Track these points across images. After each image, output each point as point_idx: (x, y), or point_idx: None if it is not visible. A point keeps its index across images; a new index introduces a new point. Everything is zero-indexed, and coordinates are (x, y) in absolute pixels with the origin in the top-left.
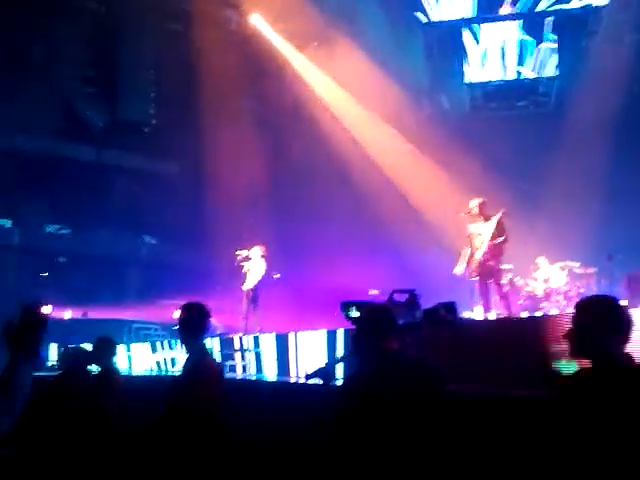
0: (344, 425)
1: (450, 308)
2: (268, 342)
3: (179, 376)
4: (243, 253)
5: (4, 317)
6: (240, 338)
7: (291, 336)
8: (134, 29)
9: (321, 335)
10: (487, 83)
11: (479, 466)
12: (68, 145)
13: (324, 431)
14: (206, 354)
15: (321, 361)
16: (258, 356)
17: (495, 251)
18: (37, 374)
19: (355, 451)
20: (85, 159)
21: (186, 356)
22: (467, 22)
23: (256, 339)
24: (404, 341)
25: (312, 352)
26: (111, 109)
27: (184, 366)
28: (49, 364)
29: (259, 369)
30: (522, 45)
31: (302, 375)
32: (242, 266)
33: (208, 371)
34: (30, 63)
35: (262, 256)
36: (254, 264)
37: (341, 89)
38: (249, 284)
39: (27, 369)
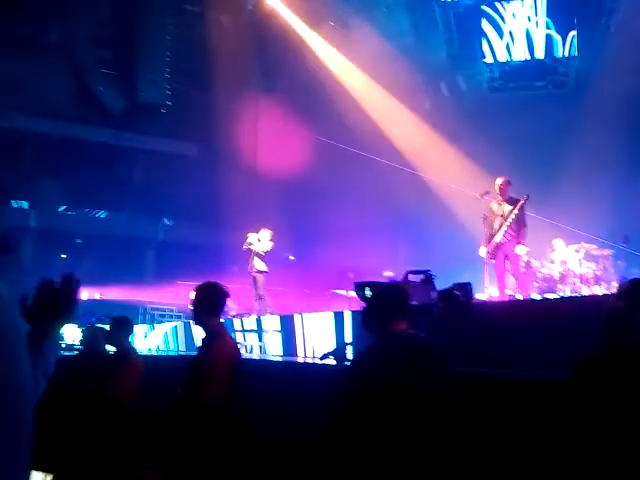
0: (348, 405)
1: (465, 289)
2: (274, 323)
3: (195, 355)
4: (252, 237)
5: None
6: (249, 319)
7: (297, 317)
8: (151, 10)
9: (328, 317)
10: (505, 63)
11: (485, 449)
12: (85, 127)
13: (332, 410)
14: (223, 333)
15: (329, 342)
16: (265, 337)
17: (514, 235)
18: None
19: (359, 431)
20: (102, 141)
21: (203, 336)
22: (486, 1)
23: (259, 321)
24: (417, 321)
25: (320, 333)
26: (128, 91)
27: (201, 346)
28: (64, 344)
29: (266, 350)
30: (541, 24)
31: (310, 356)
32: (249, 249)
33: (224, 350)
34: (47, 45)
35: (269, 240)
36: (261, 247)
37: (357, 69)
38: (255, 267)
39: (48, 346)
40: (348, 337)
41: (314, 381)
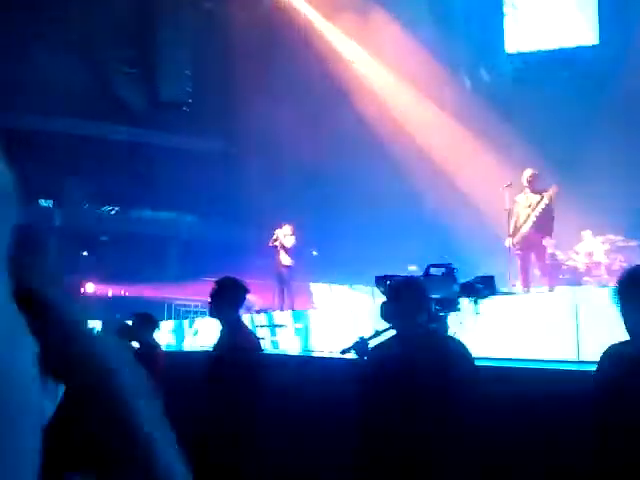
0: (366, 399)
1: (488, 282)
2: (288, 318)
3: (215, 351)
4: (279, 232)
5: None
6: (271, 314)
7: (314, 312)
8: (170, 8)
9: (347, 310)
10: (529, 53)
11: (508, 443)
12: (108, 126)
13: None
14: (242, 327)
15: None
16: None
17: (541, 227)
18: None
19: (377, 424)
20: (125, 139)
21: (220, 330)
22: None
23: (270, 316)
24: (439, 315)
25: (337, 328)
26: (150, 89)
27: (219, 341)
28: None
29: (286, 345)
30: (565, 12)
31: (329, 350)
32: (275, 246)
33: (245, 344)
34: (70, 45)
35: (291, 234)
36: (284, 242)
37: (376, 61)
38: (280, 263)
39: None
40: (368, 331)
41: (332, 375)
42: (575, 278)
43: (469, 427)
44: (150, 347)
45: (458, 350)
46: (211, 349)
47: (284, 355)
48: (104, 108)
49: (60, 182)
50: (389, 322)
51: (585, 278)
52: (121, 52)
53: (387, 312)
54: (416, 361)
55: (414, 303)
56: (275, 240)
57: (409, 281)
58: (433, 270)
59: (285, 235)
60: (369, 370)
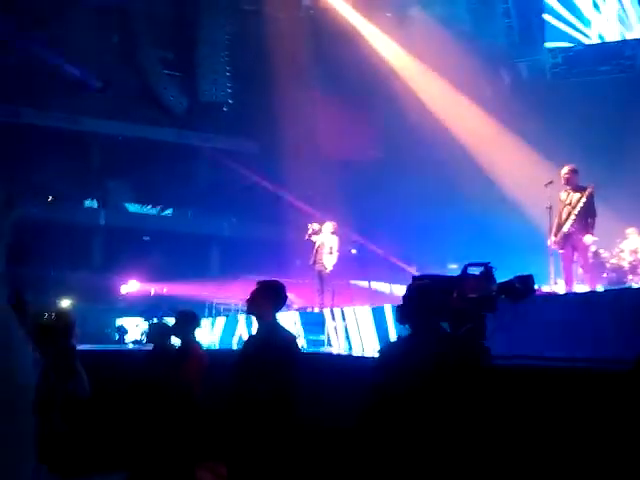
0: (375, 396)
1: (526, 281)
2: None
3: (250, 350)
4: (314, 226)
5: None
6: (311, 313)
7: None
8: (210, 10)
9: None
10: (569, 48)
11: (525, 443)
12: (150, 127)
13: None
14: (278, 328)
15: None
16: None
17: (582, 225)
18: (123, 348)
19: (386, 424)
20: (167, 140)
21: (256, 330)
22: None
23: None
24: (477, 315)
25: (361, 327)
26: (190, 90)
27: (254, 341)
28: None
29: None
30: (606, 6)
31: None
32: (313, 241)
33: (280, 344)
34: (110, 48)
35: (332, 232)
36: (325, 240)
37: (415, 60)
38: (321, 263)
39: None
40: (392, 332)
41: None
42: (619, 276)
43: (481, 424)
44: (190, 344)
45: (474, 352)
46: (242, 344)
47: (317, 353)
48: (146, 109)
49: (104, 183)
50: (404, 325)
51: (630, 277)
52: (161, 53)
53: (402, 316)
54: (426, 360)
55: (425, 307)
56: (312, 234)
57: (420, 286)
58: (471, 269)
59: (322, 231)
60: (377, 366)
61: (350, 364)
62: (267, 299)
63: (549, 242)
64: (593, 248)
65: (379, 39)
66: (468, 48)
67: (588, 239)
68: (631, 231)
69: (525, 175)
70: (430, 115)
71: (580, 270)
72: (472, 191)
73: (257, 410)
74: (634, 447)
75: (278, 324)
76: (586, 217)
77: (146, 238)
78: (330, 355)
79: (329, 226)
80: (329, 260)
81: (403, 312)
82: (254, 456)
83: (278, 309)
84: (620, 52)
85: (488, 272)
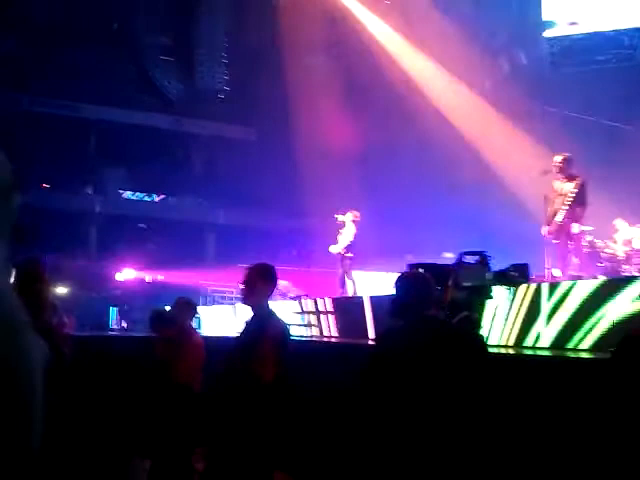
0: (369, 383)
1: (522, 270)
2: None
3: (242, 337)
4: (340, 217)
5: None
6: (307, 301)
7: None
8: None
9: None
10: (568, 37)
11: (522, 432)
12: (146, 114)
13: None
14: (271, 315)
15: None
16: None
17: (575, 215)
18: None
19: (380, 411)
20: (163, 127)
21: (250, 317)
22: None
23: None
24: (471, 303)
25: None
26: (187, 77)
27: (247, 327)
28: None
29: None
30: None
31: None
32: (339, 232)
33: (273, 331)
34: (108, 34)
35: (353, 220)
36: (346, 229)
37: (414, 46)
38: (338, 248)
39: None
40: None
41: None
42: (614, 266)
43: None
44: (188, 332)
45: (473, 341)
46: (238, 334)
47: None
48: (142, 96)
49: (99, 170)
50: (398, 318)
51: (625, 266)
52: (158, 40)
53: (395, 309)
54: (422, 348)
55: (419, 298)
56: (342, 224)
57: (413, 275)
58: (467, 258)
59: (348, 221)
60: (373, 354)
61: (342, 351)
62: (255, 284)
63: (543, 231)
64: (589, 238)
65: (379, 25)
66: (468, 35)
67: (575, 228)
68: (619, 222)
69: (522, 163)
70: (427, 103)
71: (575, 259)
72: (468, 179)
73: (250, 396)
74: (618, 432)
75: (271, 311)
76: (576, 206)
77: (142, 225)
78: (321, 341)
79: (349, 215)
80: (341, 243)
81: (396, 302)
82: (239, 443)
83: (267, 294)
84: (619, 42)
85: (484, 260)
